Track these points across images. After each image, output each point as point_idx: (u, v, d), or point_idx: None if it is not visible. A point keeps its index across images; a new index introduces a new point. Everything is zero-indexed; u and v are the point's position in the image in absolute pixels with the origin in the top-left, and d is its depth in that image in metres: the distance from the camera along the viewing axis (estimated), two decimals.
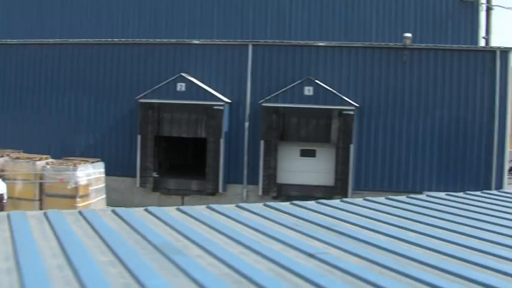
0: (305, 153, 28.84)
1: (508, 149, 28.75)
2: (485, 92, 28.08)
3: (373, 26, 32.99)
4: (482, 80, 28.15)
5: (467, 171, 27.96)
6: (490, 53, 28.66)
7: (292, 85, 28.30)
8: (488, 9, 34.26)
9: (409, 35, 28.29)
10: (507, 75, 28.13)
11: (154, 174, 29.71)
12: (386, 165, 28.10)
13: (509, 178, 45.41)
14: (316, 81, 28.23)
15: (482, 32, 33.62)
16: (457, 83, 28.21)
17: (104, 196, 26.22)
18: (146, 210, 6.73)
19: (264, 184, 28.14)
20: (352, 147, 27.69)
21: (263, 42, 29.91)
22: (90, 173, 24.94)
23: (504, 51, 28.45)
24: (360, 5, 33.13)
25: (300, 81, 28.31)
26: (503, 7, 35.25)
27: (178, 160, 33.34)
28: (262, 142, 28.24)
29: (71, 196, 23.35)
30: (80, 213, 6.42)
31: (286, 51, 29.35)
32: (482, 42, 33.41)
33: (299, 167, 28.64)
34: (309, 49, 29.21)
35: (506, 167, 28.94)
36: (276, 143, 28.22)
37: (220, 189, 28.81)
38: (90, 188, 24.67)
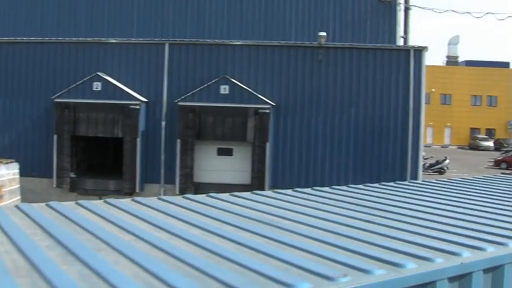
0: (222, 152, 28.85)
1: (422, 146, 29.27)
2: (399, 90, 28.54)
3: (293, 26, 33.16)
4: (397, 79, 28.60)
5: (383, 168, 28.37)
6: (405, 52, 29.17)
7: (208, 84, 28.26)
8: (406, 9, 34.73)
9: (323, 33, 28.53)
10: (421, 73, 28.67)
11: (72, 175, 29.32)
12: (303, 163, 28.29)
13: (429, 174, 46.54)
14: (233, 80, 28.25)
15: (401, 32, 34.12)
16: (372, 81, 28.60)
17: (19, 197, 25.66)
18: (48, 205, 6.62)
19: (180, 183, 28.03)
20: (268, 145, 27.80)
21: (179, 41, 29.79)
22: (3, 174, 24.43)
23: (418, 50, 28.99)
24: (280, 4, 33.27)
25: (216, 80, 28.30)
26: (420, 7, 35.81)
27: (97, 160, 32.98)
28: (178, 141, 28.14)
29: None
30: None
31: (203, 50, 29.31)
32: (401, 42, 33.90)
33: (216, 166, 28.63)
34: (225, 48, 29.23)
35: (421, 163, 29.45)
36: (193, 142, 28.15)
37: (138, 189, 28.61)
38: (4, 190, 24.17)
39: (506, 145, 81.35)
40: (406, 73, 28.51)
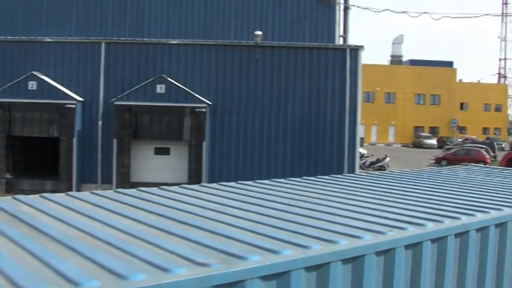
0: (159, 152, 28.79)
1: (359, 143, 29.61)
2: (336, 88, 28.83)
3: (232, 25, 33.20)
4: (333, 77, 28.88)
5: (320, 166, 28.58)
6: (341, 51, 29.47)
7: (144, 83, 28.16)
8: (346, 9, 35.03)
9: (259, 33, 28.65)
10: (357, 72, 29.01)
11: (8, 176, 28.91)
12: (240, 161, 28.37)
13: (370, 172, 46.80)
14: (169, 79, 28.20)
15: (340, 31, 34.43)
16: (308, 79, 28.82)
17: None
18: None
19: (117, 183, 27.85)
20: (205, 144, 27.81)
21: (116, 40, 29.61)
22: None
23: (354, 49, 29.34)
24: (220, 4, 33.28)
25: (152, 79, 28.21)
26: (358, 7, 36.16)
27: (36, 160, 32.54)
28: (115, 141, 28.00)
29: None
30: None
31: (140, 49, 29.20)
32: (340, 41, 34.19)
33: (153, 165, 28.55)
34: (162, 47, 29.17)
35: (358, 159, 29.77)
36: (129, 141, 28.02)
37: (74, 189, 28.20)
38: None
39: (449, 143, 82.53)
40: (342, 72, 28.82)
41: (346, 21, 35.17)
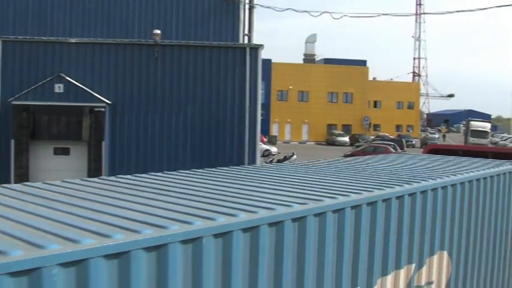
0: (58, 152, 28.39)
1: (259, 140, 29.88)
2: (236, 87, 29.01)
3: (136, 24, 33.01)
4: (233, 76, 29.06)
5: (220, 164, 28.59)
6: (241, 49, 29.64)
7: (42, 82, 27.76)
8: (251, 8, 35.22)
9: (158, 31, 28.62)
10: (257, 70, 29.25)
11: None
12: (141, 161, 28.27)
13: None
14: (68, 78, 27.85)
15: (245, 30, 34.60)
16: (209, 78, 28.92)
17: None
18: None
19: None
20: (104, 144, 27.62)
21: (13, 39, 29.02)
22: None
23: (254, 48, 29.58)
24: (123, 2, 33.05)
25: (50, 78, 27.82)
26: (262, 6, 36.47)
27: None
28: (12, 141, 27.48)
29: None
30: None
31: (38, 47, 28.69)
32: (245, 40, 34.36)
33: (53, 166, 28.14)
34: (61, 46, 28.74)
35: (259, 157, 30.04)
36: (27, 141, 27.54)
37: None
38: None
39: (361, 140, 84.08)
40: (242, 70, 29.02)
41: (251, 20, 35.34)
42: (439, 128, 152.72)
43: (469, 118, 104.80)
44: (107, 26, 32.82)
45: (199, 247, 5.09)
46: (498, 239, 11.60)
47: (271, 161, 47.77)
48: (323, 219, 6.62)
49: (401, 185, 8.41)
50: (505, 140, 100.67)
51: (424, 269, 8.91)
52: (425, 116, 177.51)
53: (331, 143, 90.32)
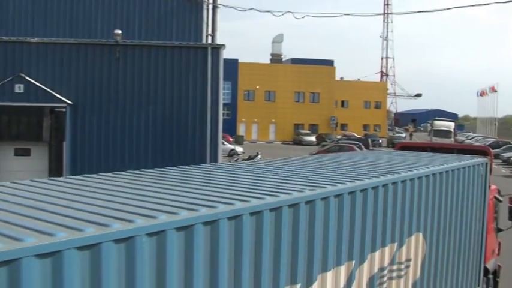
0: (19, 152, 28.23)
1: (220, 139, 29.97)
2: (198, 87, 29.08)
3: (99, 23, 32.91)
4: (195, 76, 29.11)
5: (182, 163, 28.63)
6: (202, 49, 29.70)
7: (2, 82, 27.57)
8: (214, 8, 35.28)
9: (118, 31, 28.59)
10: (219, 70, 29.33)
11: None
12: (102, 161, 28.18)
13: None
14: (28, 78, 27.71)
15: (209, 30, 34.65)
16: (170, 78, 28.94)
17: None
18: None
19: None
20: (65, 144, 27.53)
21: None
22: None
23: (216, 48, 29.67)
24: (86, 2, 32.94)
25: (10, 78, 27.66)
26: (225, 6, 36.48)
27: None
28: None
29: None
30: None
31: None
32: (209, 40, 34.41)
33: (13, 167, 27.94)
34: (21, 46, 28.55)
35: (221, 156, 30.11)
36: None
37: None
38: None
39: (328, 140, 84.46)
40: (204, 70, 29.11)
41: (214, 20, 35.41)
42: (407, 127, 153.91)
43: (436, 117, 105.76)
44: (69, 26, 32.69)
45: (163, 240, 5.35)
46: (464, 223, 13.31)
47: (235, 161, 47.89)
48: (279, 214, 6.91)
49: (370, 179, 9.23)
50: (470, 139, 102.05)
51: (404, 248, 10.35)
52: (393, 115, 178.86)
53: (298, 142, 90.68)
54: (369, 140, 75.32)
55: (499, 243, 18.69)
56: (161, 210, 5.78)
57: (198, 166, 10.73)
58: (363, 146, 60.73)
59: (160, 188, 7.47)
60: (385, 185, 9.56)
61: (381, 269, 9.64)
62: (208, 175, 9.06)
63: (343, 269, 8.47)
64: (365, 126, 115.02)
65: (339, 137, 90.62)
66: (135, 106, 28.65)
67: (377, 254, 9.41)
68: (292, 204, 7.24)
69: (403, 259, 10.43)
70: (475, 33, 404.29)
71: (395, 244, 10.04)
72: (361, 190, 8.85)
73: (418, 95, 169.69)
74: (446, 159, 13.63)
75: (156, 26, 33.17)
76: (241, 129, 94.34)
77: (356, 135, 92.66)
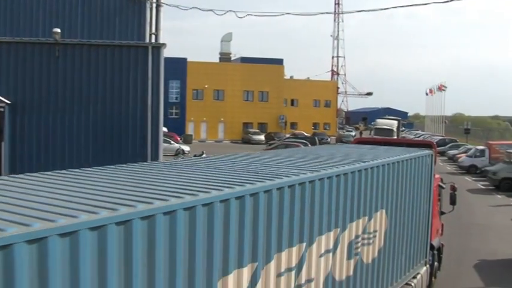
0: None
1: (162, 138, 29.98)
2: (138, 85, 29.01)
3: (40, 22, 32.56)
4: (135, 75, 29.04)
5: (122, 160, 28.63)
6: (143, 48, 29.63)
7: None
8: (158, 7, 35.18)
9: (57, 30, 28.33)
10: (160, 69, 29.31)
11: None
12: (42, 161, 27.95)
13: None
14: None
15: (152, 29, 34.53)
16: (111, 77, 28.82)
17: None
18: None
19: None
20: (4, 144, 27.25)
21: None
22: None
23: (156, 47, 29.63)
24: (27, 1, 32.60)
25: None
26: (168, 5, 36.43)
27: None
28: None
29: None
30: None
31: None
32: (152, 39, 34.29)
33: None
34: None
35: (162, 155, 30.10)
36: None
37: None
38: None
39: (276, 138, 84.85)
40: (144, 69, 29.06)
41: (158, 18, 35.28)
42: (357, 125, 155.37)
43: (387, 115, 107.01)
44: (10, 24, 32.28)
45: (104, 234, 5.83)
46: (415, 204, 16.38)
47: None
48: (211, 209, 7.48)
49: (332, 168, 11.24)
50: (418, 137, 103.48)
51: (372, 221, 13.15)
52: (344, 113, 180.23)
53: (246, 141, 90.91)
54: (316, 138, 75.88)
55: (442, 225, 22.36)
56: (101, 206, 6.19)
57: (132, 164, 11.41)
58: (309, 145, 61.06)
59: (99, 186, 7.81)
60: (353, 172, 11.90)
61: (357, 236, 12.30)
62: (142, 173, 9.52)
63: (332, 234, 11.05)
64: (315, 125, 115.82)
65: (288, 135, 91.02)
66: (75, 106, 28.46)
67: (354, 224, 12.11)
68: (267, 191, 8.67)
69: (371, 230, 13.17)
70: (425, 33, 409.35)
71: (366, 218, 12.76)
72: (337, 176, 11.13)
73: (369, 94, 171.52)
74: (399, 151, 16.54)
75: (98, 24, 32.95)
76: (190, 128, 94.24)
77: (305, 134, 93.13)
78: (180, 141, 73.68)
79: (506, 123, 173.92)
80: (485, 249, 27.52)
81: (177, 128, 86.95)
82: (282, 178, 9.38)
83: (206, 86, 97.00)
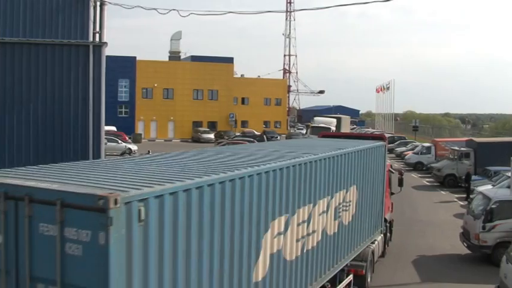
0: None
1: (103, 137, 29.78)
2: (79, 85, 28.79)
3: None
4: (76, 74, 28.79)
5: (64, 159, 28.52)
6: (84, 47, 29.39)
7: None
8: (102, 5, 34.94)
9: None
10: (101, 68, 29.11)
11: None
12: None
13: None
14: None
15: (97, 27, 34.29)
16: (51, 76, 28.51)
17: None
18: None
19: None
20: None
21: None
22: None
23: (98, 46, 29.42)
24: None
25: None
26: (111, 3, 36.16)
27: None
28: None
29: None
30: None
31: None
32: (96, 37, 34.06)
33: None
34: None
35: (104, 154, 29.93)
36: None
37: None
38: None
39: (226, 137, 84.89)
40: (85, 69, 28.85)
41: (102, 17, 35.03)
42: (308, 123, 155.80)
43: (338, 113, 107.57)
44: None
45: (201, 192, 9.62)
46: (375, 184, 21.53)
47: None
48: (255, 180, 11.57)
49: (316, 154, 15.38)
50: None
51: (348, 194, 18.03)
52: (296, 111, 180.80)
53: (196, 140, 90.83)
54: (265, 136, 76.19)
55: (392, 203, 27.45)
56: (174, 179, 9.43)
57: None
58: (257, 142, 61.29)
59: (130, 171, 10.50)
60: (336, 157, 16.64)
61: (339, 204, 17.10)
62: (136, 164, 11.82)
63: (326, 200, 15.96)
64: (266, 123, 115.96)
65: (238, 134, 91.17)
66: (15, 105, 28.13)
67: (338, 194, 16.93)
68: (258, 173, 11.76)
69: (348, 200, 18.01)
70: (377, 31, 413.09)
71: (344, 190, 17.54)
72: (327, 158, 15.91)
73: (321, 92, 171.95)
74: (361, 142, 21.37)
75: (41, 23, 32.61)
76: (139, 127, 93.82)
77: (256, 132, 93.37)
78: (129, 140, 73.30)
79: (457, 120, 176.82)
80: (425, 244, 27.97)
81: (127, 127, 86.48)
82: (301, 157, 14.36)
83: (156, 85, 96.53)
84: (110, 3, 35.69)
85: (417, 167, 61.04)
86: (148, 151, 51.10)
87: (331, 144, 18.95)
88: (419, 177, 55.72)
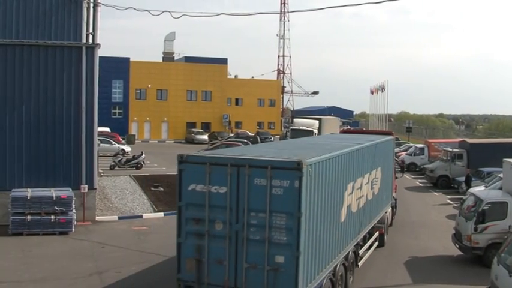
0: None
1: (96, 138, 29.79)
2: (72, 86, 28.95)
3: None
4: (69, 75, 28.99)
5: (57, 166, 28.68)
6: (77, 48, 29.53)
7: None
8: (95, 6, 34.86)
9: None
10: (94, 69, 29.25)
11: None
12: None
13: (126, 170, 47.49)
14: None
15: (90, 28, 34.21)
16: (44, 78, 28.72)
17: None
18: None
19: None
20: None
21: None
22: None
23: (91, 47, 29.55)
24: None
25: None
26: (105, 5, 36.10)
27: None
28: None
29: None
30: None
31: None
32: (90, 39, 33.99)
33: None
34: None
35: (96, 154, 29.97)
36: None
37: None
38: None
39: (220, 138, 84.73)
40: (78, 70, 29.00)
41: (94, 18, 34.95)
42: (288, 126, 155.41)
43: (332, 114, 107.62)
44: None
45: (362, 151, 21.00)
46: (390, 169, 28.97)
47: (119, 161, 48.06)
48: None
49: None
50: None
51: (376, 172, 24.30)
52: (290, 112, 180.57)
53: (190, 141, 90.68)
54: (258, 137, 76.25)
55: (396, 185, 33.47)
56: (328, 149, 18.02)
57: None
58: (250, 144, 61.22)
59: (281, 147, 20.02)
60: (371, 146, 23.33)
61: (373, 179, 23.38)
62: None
63: (368, 175, 22.27)
64: (260, 124, 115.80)
65: (232, 134, 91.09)
66: (7, 106, 28.24)
67: (372, 171, 23.23)
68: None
69: (376, 177, 24.28)
70: (371, 32, 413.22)
71: (375, 170, 23.82)
72: (365, 147, 22.18)
73: (315, 93, 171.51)
74: (378, 137, 28.00)
75: (34, 24, 32.53)
76: (133, 128, 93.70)
77: (249, 133, 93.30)
78: (123, 141, 73.26)
79: (451, 121, 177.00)
80: (417, 246, 28.00)
81: (120, 128, 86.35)
82: (361, 144, 21.87)
83: (149, 86, 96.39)
84: (102, 4, 35.57)
85: (410, 168, 61.05)
86: (142, 152, 51.24)
87: (361, 138, 25.77)
88: (413, 178, 55.72)
